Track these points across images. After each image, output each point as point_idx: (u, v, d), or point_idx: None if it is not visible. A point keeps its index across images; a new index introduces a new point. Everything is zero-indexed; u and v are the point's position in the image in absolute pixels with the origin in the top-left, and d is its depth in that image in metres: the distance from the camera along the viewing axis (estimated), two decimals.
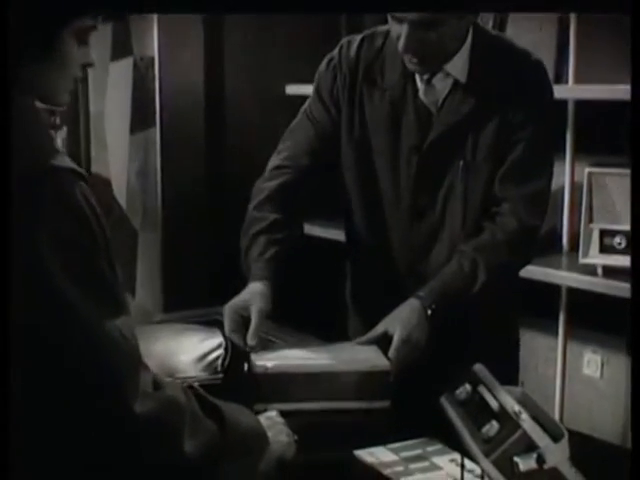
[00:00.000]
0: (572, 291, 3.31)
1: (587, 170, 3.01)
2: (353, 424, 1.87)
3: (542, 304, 3.36)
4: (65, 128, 4.51)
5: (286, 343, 2.44)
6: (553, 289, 3.30)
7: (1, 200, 1.26)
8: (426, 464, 1.74)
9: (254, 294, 2.03)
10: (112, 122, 4.37)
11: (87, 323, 1.31)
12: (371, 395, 1.88)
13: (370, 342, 2.00)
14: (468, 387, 1.48)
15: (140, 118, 4.16)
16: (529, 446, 1.29)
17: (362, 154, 2.18)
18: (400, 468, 1.71)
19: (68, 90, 1.49)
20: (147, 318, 4.08)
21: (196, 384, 1.96)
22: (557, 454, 1.29)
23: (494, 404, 1.37)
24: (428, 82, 2.10)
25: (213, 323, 2.71)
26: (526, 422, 1.30)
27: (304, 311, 2.08)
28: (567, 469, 1.29)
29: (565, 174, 3.33)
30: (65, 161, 1.36)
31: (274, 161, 2.24)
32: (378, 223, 2.21)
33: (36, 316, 1.28)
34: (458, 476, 1.59)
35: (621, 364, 3.31)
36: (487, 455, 1.30)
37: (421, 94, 2.12)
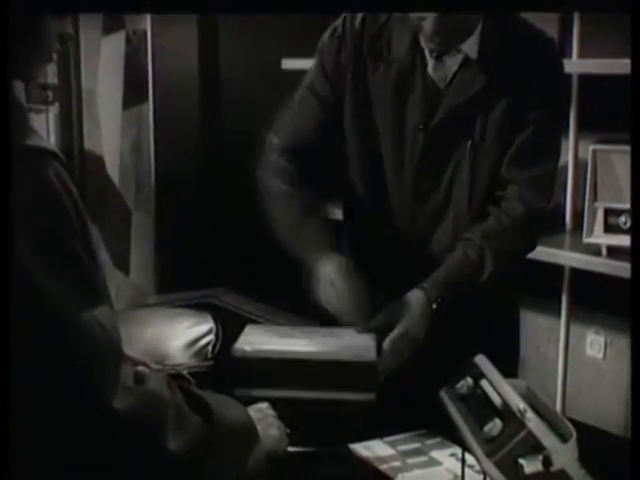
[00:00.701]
0: (575, 271, 3.26)
1: (591, 147, 2.94)
2: (336, 416, 1.79)
3: (544, 284, 3.30)
4: (57, 104, 4.45)
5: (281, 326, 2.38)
6: (555, 268, 3.24)
7: None
8: (425, 459, 1.66)
9: (342, 263, 1.97)
10: (105, 98, 4.35)
11: (61, 313, 1.24)
12: (354, 387, 1.82)
13: (369, 331, 1.94)
14: (469, 381, 1.39)
15: (133, 93, 4.15)
16: (535, 447, 1.20)
17: (366, 131, 2.11)
18: (397, 463, 1.64)
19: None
20: (141, 297, 4.06)
21: (185, 371, 1.92)
22: (565, 455, 1.20)
23: (497, 400, 1.29)
24: (438, 57, 2.02)
25: (206, 306, 2.66)
26: (532, 421, 1.21)
27: (302, 294, 2.00)
28: (576, 471, 1.20)
29: (568, 151, 3.26)
30: (39, 140, 1.28)
31: (283, 138, 2.16)
32: (380, 203, 2.14)
33: (6, 306, 1.20)
34: (458, 472, 1.51)
35: (625, 345, 3.27)
36: (489, 456, 1.21)
37: (430, 69, 2.04)
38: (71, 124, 4.40)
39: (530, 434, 1.21)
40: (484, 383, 1.36)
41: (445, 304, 1.97)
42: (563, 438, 1.25)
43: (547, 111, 2.04)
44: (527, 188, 2.04)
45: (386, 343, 1.91)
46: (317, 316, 2.06)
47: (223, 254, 3.86)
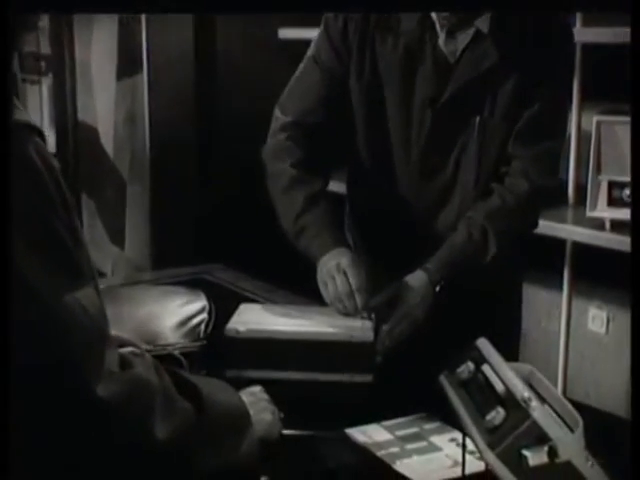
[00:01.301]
0: (577, 244, 3.22)
1: (595, 118, 2.89)
2: (332, 398, 1.75)
3: (546, 258, 3.26)
4: (50, 75, 4.40)
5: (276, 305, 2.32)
6: (557, 242, 3.20)
7: None
8: (424, 444, 1.61)
9: (347, 258, 1.90)
10: (98, 69, 4.31)
11: (40, 294, 1.18)
12: (351, 368, 1.78)
13: (369, 311, 1.89)
14: (470, 365, 1.33)
15: (127, 63, 4.10)
16: (539, 437, 1.14)
17: (372, 105, 2.06)
18: (395, 449, 1.59)
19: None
20: (137, 273, 4.03)
21: (177, 352, 1.87)
22: (571, 446, 1.14)
23: (500, 387, 1.23)
24: (450, 32, 1.96)
25: (199, 283, 2.61)
26: (536, 410, 1.15)
27: (301, 272, 1.95)
28: (582, 463, 1.14)
29: (571, 123, 3.19)
30: (19, 114, 1.22)
31: (288, 114, 2.10)
32: (385, 179, 2.09)
33: None
34: (459, 458, 1.45)
35: (627, 320, 3.20)
36: (492, 447, 1.16)
37: (441, 43, 1.98)
38: (65, 95, 4.37)
39: (535, 424, 1.15)
40: (486, 368, 1.30)
41: (447, 287, 1.94)
42: (569, 427, 1.19)
43: (556, 88, 2.01)
44: (532, 164, 2.00)
45: (386, 325, 1.87)
46: (315, 294, 2.01)
47: (219, 228, 3.82)
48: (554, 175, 2.07)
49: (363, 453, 1.58)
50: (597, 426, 1.30)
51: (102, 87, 4.26)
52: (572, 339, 3.43)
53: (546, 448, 1.14)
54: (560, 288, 3.40)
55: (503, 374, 1.25)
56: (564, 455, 1.14)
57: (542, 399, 1.25)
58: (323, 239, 1.95)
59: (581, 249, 3.20)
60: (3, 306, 1.12)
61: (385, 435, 1.64)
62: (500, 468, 1.15)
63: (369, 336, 1.81)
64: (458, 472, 1.45)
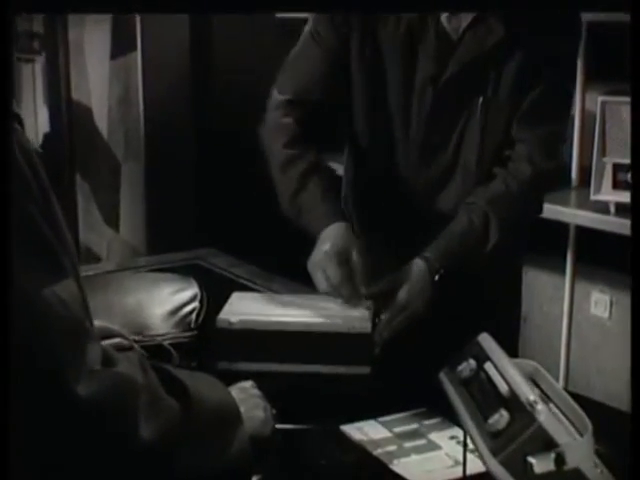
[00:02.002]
0: (580, 227, 3.19)
1: (600, 99, 2.86)
2: (329, 391, 1.69)
3: (548, 241, 3.22)
4: (44, 54, 4.34)
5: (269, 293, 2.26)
6: (560, 224, 3.16)
7: None
8: (423, 442, 1.54)
9: (346, 236, 1.85)
10: (92, 47, 4.27)
11: (14, 287, 1.11)
12: (348, 360, 1.71)
13: (366, 299, 1.84)
14: (472, 363, 1.26)
15: (121, 42, 4.02)
16: (546, 443, 1.07)
17: (373, 82, 2.00)
18: (393, 447, 1.52)
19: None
20: (131, 253, 4.00)
21: (167, 342, 1.81)
22: (580, 453, 1.07)
23: (503, 388, 1.15)
24: None
25: (192, 269, 2.54)
26: (543, 414, 1.08)
27: (299, 258, 1.89)
28: (591, 470, 1.07)
29: (575, 103, 3.14)
30: None
31: (285, 92, 2.05)
32: (384, 159, 2.04)
33: None
34: (459, 457, 1.38)
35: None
36: (495, 453, 1.09)
37: (443, 19, 1.92)
38: (58, 74, 4.33)
39: (541, 429, 1.07)
40: (488, 366, 1.23)
41: (447, 275, 1.88)
42: (576, 429, 1.12)
43: (562, 69, 1.96)
44: (536, 148, 1.95)
45: (385, 316, 1.81)
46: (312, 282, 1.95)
47: (214, 211, 3.77)
48: (558, 159, 2.02)
49: (358, 452, 1.52)
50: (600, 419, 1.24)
51: (96, 66, 4.23)
52: (574, 323, 3.41)
53: (553, 455, 1.07)
54: (562, 271, 3.37)
55: (507, 373, 1.18)
56: (572, 462, 1.07)
57: (547, 398, 1.19)
58: (319, 213, 1.91)
59: (584, 232, 3.17)
60: None
61: (382, 432, 1.57)
62: (503, 475, 1.08)
63: (367, 327, 1.75)
64: (458, 472, 1.38)
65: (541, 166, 1.95)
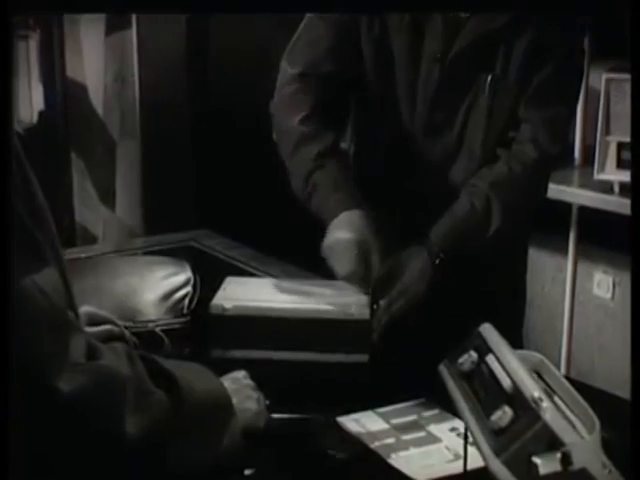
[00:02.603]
0: (583, 207, 3.17)
1: (604, 76, 2.86)
2: (326, 380, 1.64)
3: (550, 220, 3.15)
4: (39, 30, 4.29)
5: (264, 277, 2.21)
6: (562, 204, 3.13)
7: None
8: (422, 434, 1.49)
9: (361, 225, 1.82)
10: (87, 23, 4.15)
11: None
12: (345, 347, 1.67)
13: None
14: (473, 355, 1.20)
15: (116, 18, 3.98)
16: (551, 442, 1.02)
17: (381, 59, 1.96)
18: (391, 440, 1.46)
19: None
20: (127, 233, 3.96)
21: (158, 329, 1.77)
22: (587, 452, 1.01)
23: (506, 383, 1.10)
24: None
25: (186, 250, 2.49)
26: (548, 412, 1.02)
27: (296, 240, 1.85)
28: (599, 470, 1.02)
29: None
30: None
31: (296, 65, 2.01)
32: (389, 136, 2.01)
33: None
34: (460, 450, 1.33)
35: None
36: (497, 453, 1.03)
37: None
38: (53, 51, 4.25)
39: (546, 427, 1.02)
40: (490, 359, 1.17)
41: (448, 259, 1.85)
42: (584, 427, 1.07)
43: (572, 50, 1.92)
44: (542, 129, 1.91)
45: (382, 300, 1.78)
46: (311, 264, 1.92)
47: (210, 192, 3.73)
48: (563, 142, 2.00)
49: (355, 445, 1.46)
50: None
51: (91, 43, 4.14)
52: (577, 304, 3.39)
53: (559, 454, 1.01)
54: (565, 252, 3.36)
55: (510, 367, 1.13)
56: (578, 462, 1.01)
57: (552, 392, 1.13)
58: (336, 198, 1.87)
59: (587, 212, 3.15)
60: None
61: (380, 424, 1.52)
62: (506, 476, 1.03)
63: (365, 313, 1.70)
64: (459, 466, 1.32)
65: (546, 149, 1.91)
